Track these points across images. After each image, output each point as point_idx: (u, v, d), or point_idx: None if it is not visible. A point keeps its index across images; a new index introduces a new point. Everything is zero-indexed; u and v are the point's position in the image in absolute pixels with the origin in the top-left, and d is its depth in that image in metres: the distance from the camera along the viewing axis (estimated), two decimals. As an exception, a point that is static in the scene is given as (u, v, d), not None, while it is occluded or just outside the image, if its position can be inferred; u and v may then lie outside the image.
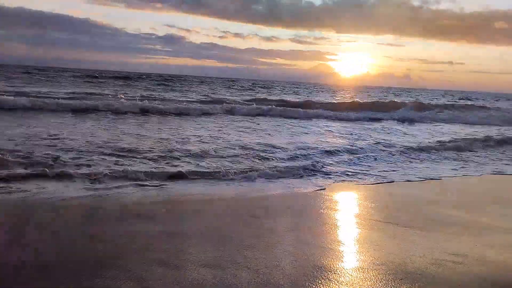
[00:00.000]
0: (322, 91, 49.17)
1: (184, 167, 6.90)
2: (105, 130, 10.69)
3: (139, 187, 5.76)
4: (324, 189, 6.40)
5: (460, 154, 10.43)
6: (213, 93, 30.52)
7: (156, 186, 5.88)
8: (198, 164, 7.23)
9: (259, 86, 49.40)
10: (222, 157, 7.94)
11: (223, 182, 6.37)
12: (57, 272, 3.27)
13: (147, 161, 7.20)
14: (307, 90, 51.02)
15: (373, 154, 9.28)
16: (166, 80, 47.89)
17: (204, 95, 26.81)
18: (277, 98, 27.84)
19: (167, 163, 7.23)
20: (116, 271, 3.32)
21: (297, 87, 57.90)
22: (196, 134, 10.87)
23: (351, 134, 13.09)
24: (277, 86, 53.99)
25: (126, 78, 44.60)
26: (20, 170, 6.02)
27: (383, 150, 9.93)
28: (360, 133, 13.47)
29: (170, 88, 33.66)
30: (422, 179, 7.44)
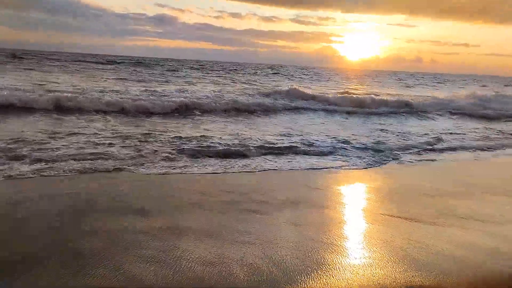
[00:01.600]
0: (350, 79, 46.25)
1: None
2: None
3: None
4: (332, 180, 6.40)
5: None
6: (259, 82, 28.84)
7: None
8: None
9: (273, 73, 46.86)
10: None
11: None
12: (39, 268, 3.20)
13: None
14: (330, 77, 47.22)
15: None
16: (168, 65, 45.81)
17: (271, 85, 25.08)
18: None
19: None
20: (106, 268, 3.24)
21: (317, 73, 54.73)
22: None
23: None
24: (294, 73, 51.00)
25: (120, 63, 43.05)
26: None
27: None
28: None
29: (189, 75, 31.50)
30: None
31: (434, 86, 41.02)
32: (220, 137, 8.96)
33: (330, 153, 8.13)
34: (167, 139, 8.48)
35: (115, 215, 4.36)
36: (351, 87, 29.86)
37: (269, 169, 6.79)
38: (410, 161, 8.05)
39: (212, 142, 8.29)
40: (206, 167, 6.66)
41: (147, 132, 9.18)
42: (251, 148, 7.86)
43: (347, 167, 7.30)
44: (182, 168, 6.47)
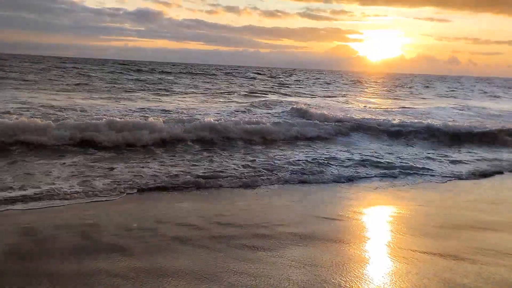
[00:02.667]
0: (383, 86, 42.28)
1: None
2: None
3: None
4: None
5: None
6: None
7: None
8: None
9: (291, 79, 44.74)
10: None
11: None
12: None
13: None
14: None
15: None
16: (165, 71, 43.53)
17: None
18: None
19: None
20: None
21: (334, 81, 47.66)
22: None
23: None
24: (314, 80, 47.08)
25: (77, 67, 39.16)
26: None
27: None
28: None
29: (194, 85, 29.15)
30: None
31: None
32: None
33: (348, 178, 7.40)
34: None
35: (84, 255, 3.93)
36: (408, 100, 26.89)
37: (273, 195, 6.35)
38: (447, 184, 7.41)
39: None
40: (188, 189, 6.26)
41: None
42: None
43: (368, 189, 6.79)
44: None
